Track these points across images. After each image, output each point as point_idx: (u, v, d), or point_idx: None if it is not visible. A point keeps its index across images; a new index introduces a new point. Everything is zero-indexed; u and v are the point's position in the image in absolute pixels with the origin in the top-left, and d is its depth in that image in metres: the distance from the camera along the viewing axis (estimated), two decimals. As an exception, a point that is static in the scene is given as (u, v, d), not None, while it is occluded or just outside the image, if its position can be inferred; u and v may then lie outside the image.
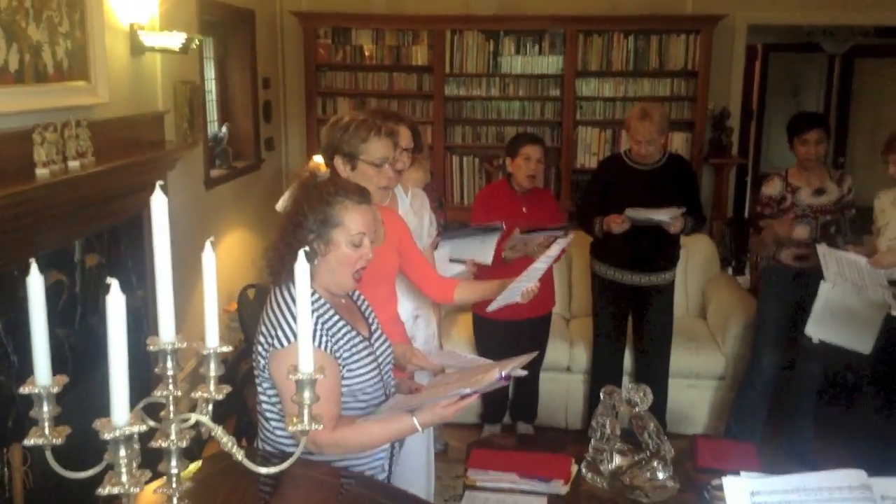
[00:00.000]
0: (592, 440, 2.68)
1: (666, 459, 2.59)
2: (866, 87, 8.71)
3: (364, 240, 1.99)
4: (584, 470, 2.64)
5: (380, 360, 2.07)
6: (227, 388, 1.35)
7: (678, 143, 5.92)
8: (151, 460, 1.30)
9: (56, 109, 2.93)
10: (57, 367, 2.86)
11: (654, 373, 4.17)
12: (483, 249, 3.63)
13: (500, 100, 6.14)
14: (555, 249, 2.71)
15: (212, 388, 1.33)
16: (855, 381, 4.02)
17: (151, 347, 1.18)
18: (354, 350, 1.97)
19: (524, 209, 4.02)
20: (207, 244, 1.30)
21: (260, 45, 5.76)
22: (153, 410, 1.26)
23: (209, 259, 1.30)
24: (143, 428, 1.06)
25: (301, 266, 1.23)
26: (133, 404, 1.19)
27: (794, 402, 4.10)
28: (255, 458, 1.87)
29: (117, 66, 3.50)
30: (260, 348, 1.94)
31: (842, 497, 1.21)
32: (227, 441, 1.20)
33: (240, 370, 3.33)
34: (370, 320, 2.17)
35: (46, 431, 1.15)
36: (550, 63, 6.04)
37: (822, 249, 3.50)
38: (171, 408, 1.18)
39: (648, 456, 2.61)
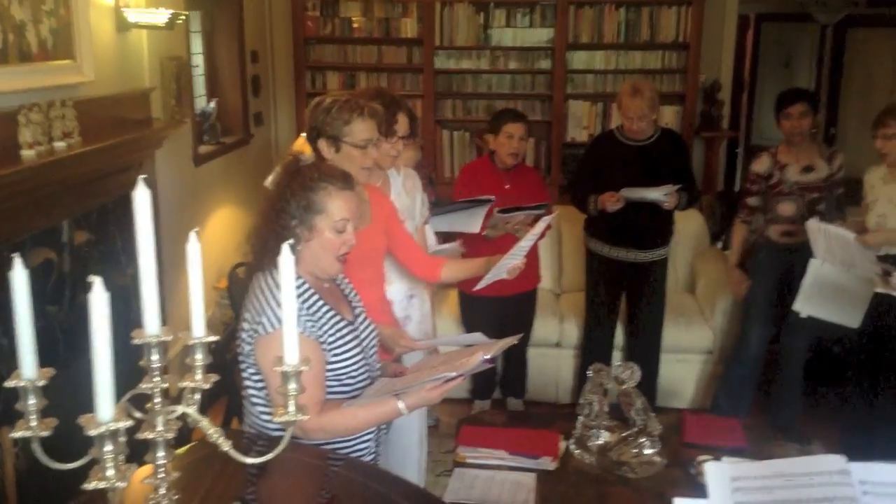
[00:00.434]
0: (581, 417, 2.72)
1: (653, 435, 2.62)
2: (858, 58, 8.68)
3: (347, 226, 1.98)
4: (572, 446, 2.67)
5: (364, 343, 2.08)
6: (214, 378, 1.36)
7: (669, 116, 5.90)
8: (139, 451, 1.31)
9: (41, 89, 2.91)
10: (48, 345, 2.87)
11: (645, 349, 4.21)
12: (471, 221, 3.64)
13: (490, 73, 6.10)
14: (539, 227, 2.71)
15: (199, 377, 1.33)
16: (841, 356, 4.06)
17: (136, 340, 1.18)
18: (339, 335, 1.98)
19: (507, 186, 4.01)
20: (192, 235, 1.29)
21: (247, 18, 5.70)
22: (142, 398, 1.27)
23: (194, 249, 1.30)
24: (129, 423, 1.07)
25: (286, 258, 1.23)
26: (126, 385, 1.20)
27: (780, 376, 4.14)
28: (241, 441, 1.90)
29: (103, 44, 3.46)
30: (244, 334, 1.95)
31: (821, 482, 1.23)
32: (213, 432, 1.21)
33: (230, 350, 3.34)
34: (354, 304, 2.17)
35: (33, 424, 1.15)
36: (541, 35, 6.00)
37: (812, 225, 3.52)
38: (158, 400, 1.19)
39: (636, 432, 2.64)
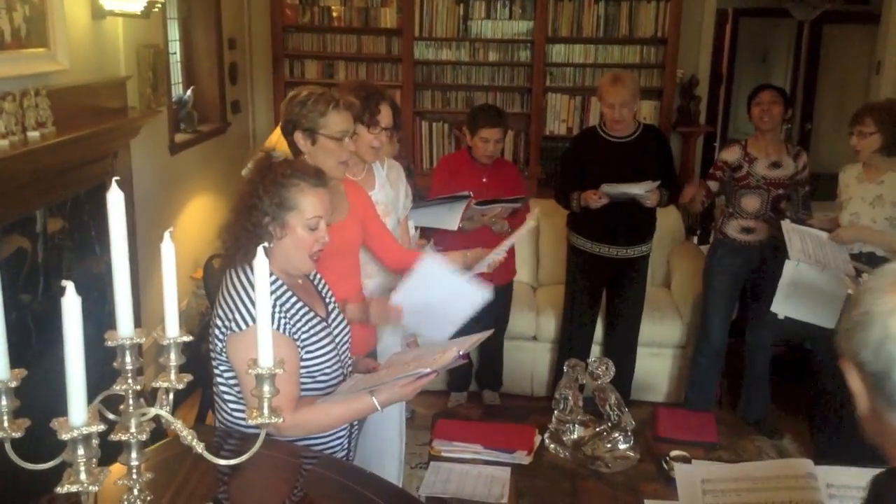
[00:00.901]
0: (556, 411, 2.73)
1: (626, 431, 2.65)
2: (834, 54, 8.76)
3: (320, 223, 1.98)
4: (547, 440, 2.69)
5: (337, 339, 2.08)
6: (187, 377, 1.36)
7: (647, 111, 5.93)
8: (112, 450, 1.31)
9: (14, 78, 2.86)
10: (21, 336, 2.84)
11: (623, 344, 4.24)
12: (449, 216, 3.64)
13: (469, 65, 6.09)
14: (525, 228, 2.70)
15: (172, 377, 1.33)
16: (813, 352, 4.11)
17: (109, 342, 1.17)
18: (313, 331, 1.98)
19: (485, 179, 4.02)
20: (166, 235, 1.29)
21: (225, 5, 5.63)
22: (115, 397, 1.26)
23: (168, 249, 1.29)
24: (101, 428, 1.07)
25: (260, 261, 1.23)
26: (103, 373, 1.20)
27: (747, 373, 4.21)
28: (213, 438, 1.89)
29: (77, 32, 3.41)
30: (217, 332, 1.94)
31: (788, 485, 1.25)
32: (186, 434, 1.21)
33: (205, 342, 3.33)
34: (327, 300, 2.17)
35: (5, 425, 1.15)
36: (521, 28, 6.00)
37: (787, 225, 3.56)
38: (131, 402, 1.18)
39: (610, 427, 2.67)
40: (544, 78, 6.00)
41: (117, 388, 1.19)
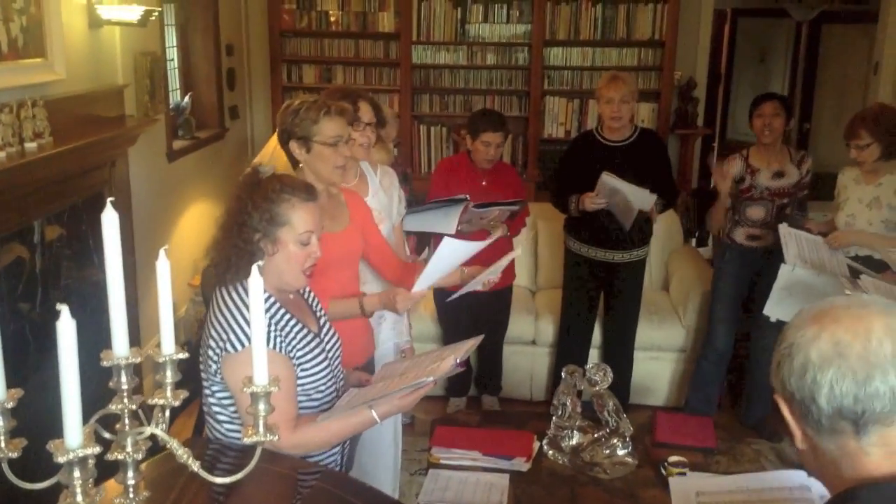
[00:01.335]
0: (554, 418, 2.74)
1: (625, 437, 2.65)
2: (833, 53, 8.76)
3: (312, 238, 1.96)
4: (545, 447, 2.70)
5: (330, 354, 2.07)
6: (184, 394, 1.36)
7: (645, 113, 5.94)
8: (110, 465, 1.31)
9: (12, 88, 2.87)
10: (20, 343, 2.84)
11: (620, 347, 4.25)
12: (446, 221, 3.64)
13: (467, 68, 6.10)
14: (517, 251, 2.70)
15: (168, 394, 1.33)
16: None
17: (105, 362, 1.18)
18: (307, 348, 1.97)
19: (484, 183, 4.03)
20: (161, 253, 1.29)
21: (222, 11, 5.65)
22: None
23: (164, 267, 1.30)
24: (97, 450, 1.07)
25: (255, 280, 1.23)
26: (99, 383, 1.20)
27: (751, 374, 4.20)
28: (210, 451, 1.89)
29: (75, 41, 3.42)
30: (210, 352, 1.91)
31: (782, 497, 1.26)
32: (182, 453, 1.21)
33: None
34: (319, 315, 2.16)
35: (2, 445, 1.15)
36: (518, 31, 6.01)
37: (783, 229, 3.56)
38: (127, 421, 1.19)
39: (608, 433, 2.67)
40: (542, 81, 6.01)
41: (113, 407, 1.20)
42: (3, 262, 2.92)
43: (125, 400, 1.18)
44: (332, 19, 6.08)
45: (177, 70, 5.39)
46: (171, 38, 5.26)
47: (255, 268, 1.25)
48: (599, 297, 4.22)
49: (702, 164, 6.74)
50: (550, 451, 2.68)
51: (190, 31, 5.51)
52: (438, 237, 3.69)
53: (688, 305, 4.44)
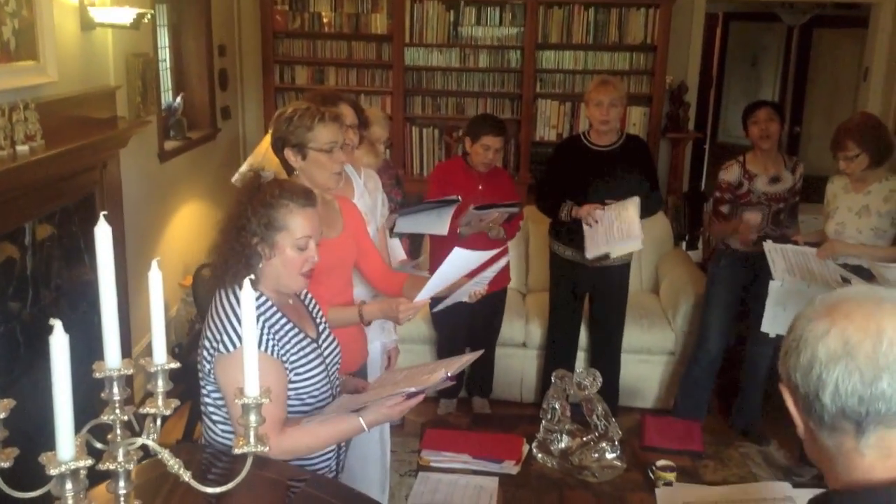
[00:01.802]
0: (544, 421, 2.76)
1: (613, 440, 2.68)
2: (823, 58, 8.81)
3: (310, 243, 1.98)
4: (534, 450, 2.71)
5: (327, 360, 2.08)
6: (175, 402, 1.38)
7: (636, 117, 5.96)
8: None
9: (4, 91, 2.87)
10: (10, 346, 2.83)
11: (607, 349, 4.27)
12: (439, 222, 3.66)
13: (460, 71, 6.11)
14: (503, 262, 2.66)
15: (160, 403, 1.35)
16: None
17: (97, 374, 1.19)
18: (302, 353, 1.98)
19: (480, 187, 4.05)
20: (154, 264, 1.30)
21: (215, 12, 5.65)
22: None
23: (156, 278, 1.31)
24: (89, 462, 1.08)
25: (246, 292, 1.25)
26: (89, 385, 1.20)
27: (744, 380, 4.23)
28: (202, 458, 1.91)
29: (67, 44, 3.42)
30: (205, 353, 1.94)
31: (766, 508, 1.28)
32: (174, 464, 1.22)
33: (192, 356, 3.33)
34: (318, 320, 2.18)
35: (-6, 455, 1.16)
36: (511, 34, 6.02)
37: (769, 246, 3.59)
38: (118, 432, 1.20)
39: (597, 437, 2.69)
40: (534, 84, 6.03)
41: (105, 417, 1.21)
42: (-6, 264, 2.93)
43: (117, 411, 1.19)
44: (325, 20, 6.08)
45: (168, 70, 5.38)
46: (164, 39, 5.25)
47: (246, 281, 1.26)
48: (585, 300, 4.25)
49: (693, 168, 6.77)
50: (540, 455, 2.70)
51: (182, 32, 5.51)
52: (438, 239, 3.73)
53: (678, 309, 4.46)
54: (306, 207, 1.98)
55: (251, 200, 1.96)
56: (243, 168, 4.01)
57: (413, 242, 4.05)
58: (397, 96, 6.08)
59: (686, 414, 4.10)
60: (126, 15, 3.58)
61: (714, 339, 4.13)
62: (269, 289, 2.00)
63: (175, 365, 1.35)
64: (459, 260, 2.39)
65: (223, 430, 1.99)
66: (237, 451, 1.27)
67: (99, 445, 1.22)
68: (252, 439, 1.26)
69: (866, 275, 3.43)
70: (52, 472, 1.05)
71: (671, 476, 2.51)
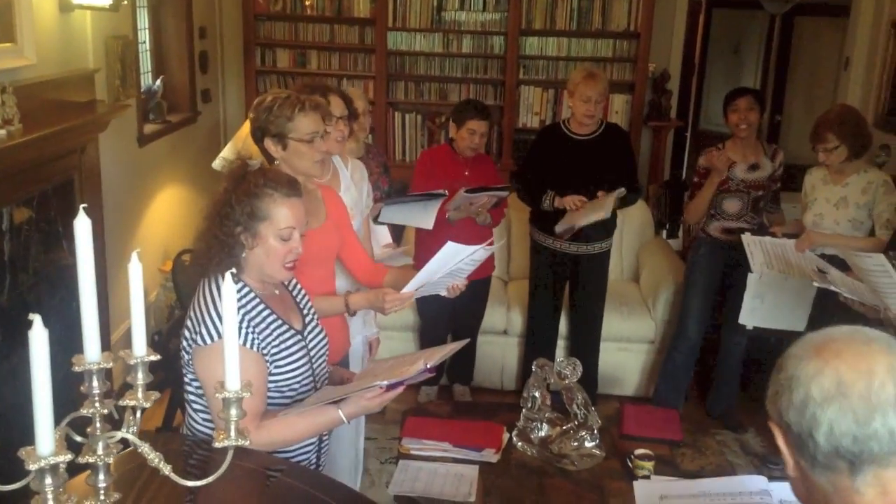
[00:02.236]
0: (524, 410, 2.78)
1: (593, 429, 2.70)
2: (805, 46, 8.86)
3: (293, 233, 1.97)
4: (514, 438, 2.74)
5: (312, 352, 2.08)
6: (155, 395, 1.37)
7: (618, 104, 5.97)
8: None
9: (-19, 74, 2.84)
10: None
11: (587, 337, 4.30)
12: (425, 215, 3.66)
13: (443, 56, 6.09)
14: (480, 254, 2.58)
15: (140, 395, 1.34)
16: (777, 347, 4.18)
17: (77, 368, 1.18)
18: (283, 345, 1.98)
19: (467, 172, 4.06)
20: (134, 256, 1.29)
21: (196, -7, 5.59)
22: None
23: (136, 271, 1.30)
24: (69, 457, 1.08)
25: (228, 286, 1.24)
26: (67, 371, 1.19)
27: (720, 367, 4.27)
28: (182, 447, 1.90)
29: (45, 26, 3.37)
30: (185, 343, 1.94)
31: (743, 501, 1.29)
32: (154, 457, 1.22)
33: (172, 344, 3.32)
34: (305, 311, 2.17)
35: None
36: (494, 20, 6.00)
37: (747, 238, 3.62)
38: (98, 425, 1.19)
39: (576, 426, 2.72)
40: (517, 70, 6.02)
41: (84, 411, 1.20)
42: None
43: (97, 404, 1.18)
44: (307, 3, 6.02)
45: (148, 52, 5.32)
46: (143, 20, 5.19)
47: (228, 275, 1.25)
48: (564, 288, 4.27)
49: (674, 156, 6.80)
50: (520, 443, 2.73)
51: (162, 13, 5.44)
52: (422, 231, 3.73)
53: (658, 297, 4.49)
54: (290, 197, 1.97)
55: (235, 189, 1.94)
56: (224, 153, 3.99)
57: (396, 229, 4.05)
58: (380, 81, 6.05)
59: (665, 401, 4.15)
60: (105, -3, 3.54)
61: (693, 326, 4.17)
62: (253, 279, 1.99)
63: (155, 357, 1.34)
64: (451, 254, 2.37)
65: (204, 419, 1.99)
66: (217, 444, 1.27)
67: (78, 439, 1.22)
68: (233, 433, 1.26)
69: (841, 264, 3.47)
70: (32, 467, 1.04)
71: (649, 465, 2.54)
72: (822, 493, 1.07)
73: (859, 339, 1.07)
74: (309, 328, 2.12)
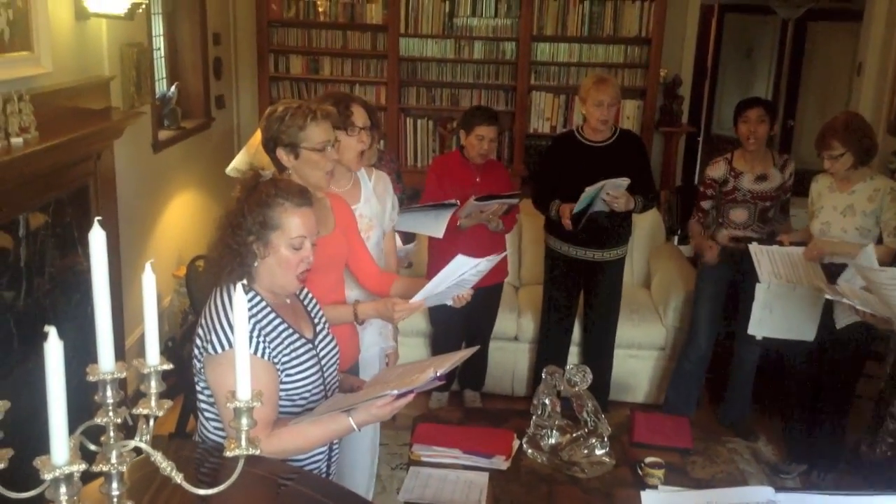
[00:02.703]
0: (534, 417, 2.78)
1: (603, 437, 2.71)
2: (818, 51, 8.83)
3: (305, 242, 1.98)
4: (524, 445, 2.75)
5: (323, 361, 2.09)
6: (168, 404, 1.39)
7: (630, 110, 5.98)
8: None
9: (-2, 83, 2.87)
10: (4, 335, 2.83)
11: (600, 345, 4.29)
12: (436, 224, 3.68)
13: (455, 62, 6.11)
14: (484, 266, 2.57)
15: (153, 404, 1.36)
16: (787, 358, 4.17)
17: (91, 378, 1.20)
18: (294, 354, 1.99)
19: (478, 179, 4.08)
20: (147, 266, 1.31)
21: (210, 0, 5.63)
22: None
23: (149, 281, 1.32)
24: (83, 466, 1.10)
25: (239, 297, 1.26)
26: (81, 379, 1.21)
27: (732, 376, 4.26)
28: (194, 454, 1.92)
29: (61, 34, 3.41)
30: (196, 351, 1.96)
31: (749, 512, 1.30)
32: (166, 466, 1.24)
33: (186, 350, 3.35)
34: (316, 320, 2.18)
35: (-11, 457, 1.17)
36: (506, 26, 6.02)
37: (754, 248, 3.60)
38: (112, 434, 1.22)
39: (587, 433, 2.72)
40: (529, 76, 6.03)
41: (98, 420, 1.22)
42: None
43: (110, 413, 1.20)
44: (320, 10, 6.07)
45: (163, 59, 5.36)
46: (158, 27, 5.24)
47: (239, 286, 1.27)
48: (579, 295, 4.26)
49: (686, 161, 6.79)
50: (530, 450, 2.73)
51: (177, 20, 5.49)
52: (434, 240, 3.74)
53: (668, 304, 4.49)
54: (302, 207, 1.98)
55: (247, 199, 1.96)
56: (237, 160, 4.02)
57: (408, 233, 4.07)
58: (392, 87, 6.08)
59: (676, 409, 4.14)
60: (120, 5, 3.57)
61: (703, 334, 4.17)
62: (265, 288, 2.01)
63: (168, 366, 1.36)
64: (461, 266, 2.38)
65: (215, 427, 2.01)
66: (228, 454, 1.29)
67: (92, 447, 1.24)
68: (244, 442, 1.27)
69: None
70: (47, 476, 1.06)
71: (660, 473, 2.55)
72: None
73: None
74: (320, 337, 2.14)
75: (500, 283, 4.29)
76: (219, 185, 5.28)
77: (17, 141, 2.84)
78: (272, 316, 1.99)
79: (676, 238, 6.11)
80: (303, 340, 2.04)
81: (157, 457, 1.22)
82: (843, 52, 8.05)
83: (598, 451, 2.70)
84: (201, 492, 1.22)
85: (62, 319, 3.38)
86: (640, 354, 4.51)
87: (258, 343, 1.91)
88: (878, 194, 3.53)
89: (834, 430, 3.75)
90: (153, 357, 1.35)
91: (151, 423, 1.36)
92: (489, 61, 6.09)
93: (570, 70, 6.05)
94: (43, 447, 1.12)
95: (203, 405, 2.01)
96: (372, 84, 6.14)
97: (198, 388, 2.01)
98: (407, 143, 6.22)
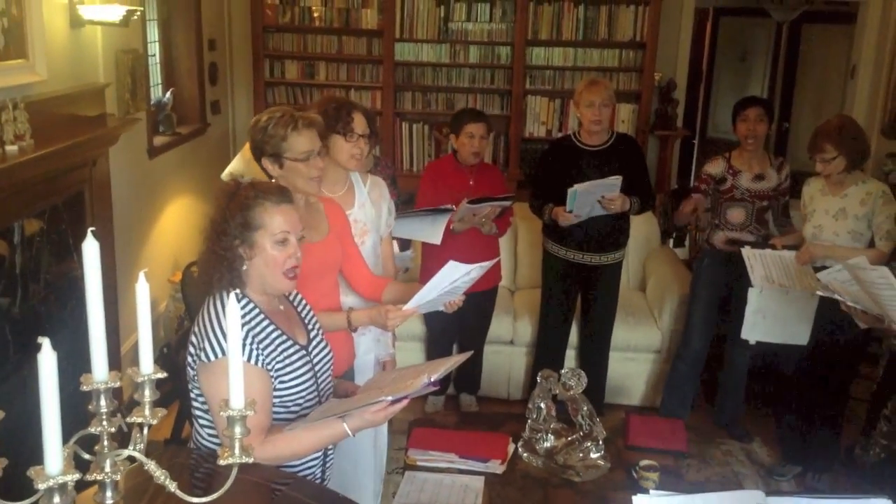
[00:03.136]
0: (529, 420, 2.79)
1: (598, 440, 2.72)
2: (812, 53, 8.84)
3: (289, 238, 1.99)
4: (520, 449, 2.75)
5: (317, 367, 2.10)
6: (162, 412, 1.40)
7: (625, 114, 5.99)
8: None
9: (-7, 90, 2.88)
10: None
11: (596, 348, 4.31)
12: (433, 230, 3.68)
13: (450, 66, 6.12)
14: (476, 272, 2.55)
15: (147, 412, 1.37)
16: (782, 362, 4.18)
17: (85, 387, 1.21)
18: (288, 360, 1.99)
19: (471, 182, 4.09)
20: (141, 276, 1.32)
21: (205, 6, 5.64)
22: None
23: (143, 291, 1.33)
24: (77, 476, 1.11)
25: (232, 306, 1.27)
26: (76, 387, 1.22)
27: (725, 378, 4.27)
28: (188, 461, 1.93)
29: (56, 42, 3.42)
30: (190, 358, 1.96)
31: (739, 516, 1.31)
32: (160, 475, 1.25)
33: (181, 356, 3.35)
34: (310, 326, 2.19)
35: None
36: (501, 30, 6.04)
37: (747, 252, 3.62)
38: (105, 443, 1.22)
39: (582, 436, 2.73)
40: (524, 80, 6.05)
41: (92, 429, 1.23)
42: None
43: (104, 422, 1.21)
44: (316, 15, 6.07)
45: (158, 65, 5.37)
46: (153, 33, 5.24)
47: (232, 295, 1.28)
48: (577, 299, 4.27)
49: (681, 165, 6.80)
50: (525, 454, 2.74)
51: (172, 26, 5.50)
52: (428, 245, 3.74)
53: (664, 307, 4.50)
54: (281, 204, 1.99)
55: (228, 204, 1.98)
56: (232, 166, 4.02)
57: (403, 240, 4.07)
58: (387, 91, 6.09)
59: (671, 411, 4.16)
60: (115, 12, 3.58)
61: (697, 337, 4.18)
62: (257, 293, 2.02)
63: (162, 375, 1.37)
64: (452, 272, 2.39)
65: (209, 435, 2.01)
66: (222, 462, 1.30)
67: (86, 456, 1.24)
68: (237, 451, 1.28)
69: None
70: (41, 486, 1.07)
71: (654, 476, 2.56)
72: None
73: None
74: (313, 343, 2.14)
75: (494, 287, 4.30)
76: (215, 190, 5.27)
77: (12, 149, 2.85)
78: (265, 322, 1.99)
79: (672, 241, 6.12)
80: (296, 347, 2.04)
81: (151, 466, 1.23)
82: (837, 55, 8.08)
83: (594, 455, 2.71)
84: (195, 500, 1.23)
85: (58, 326, 3.39)
86: (635, 357, 4.52)
87: (251, 350, 1.91)
88: (871, 198, 3.54)
89: (828, 431, 3.76)
90: (147, 366, 1.36)
91: (145, 431, 1.37)
92: (484, 65, 6.10)
93: (564, 74, 6.06)
94: (38, 456, 1.13)
95: (197, 412, 2.02)
96: (367, 89, 6.15)
97: (192, 395, 2.01)
98: (402, 148, 6.23)
